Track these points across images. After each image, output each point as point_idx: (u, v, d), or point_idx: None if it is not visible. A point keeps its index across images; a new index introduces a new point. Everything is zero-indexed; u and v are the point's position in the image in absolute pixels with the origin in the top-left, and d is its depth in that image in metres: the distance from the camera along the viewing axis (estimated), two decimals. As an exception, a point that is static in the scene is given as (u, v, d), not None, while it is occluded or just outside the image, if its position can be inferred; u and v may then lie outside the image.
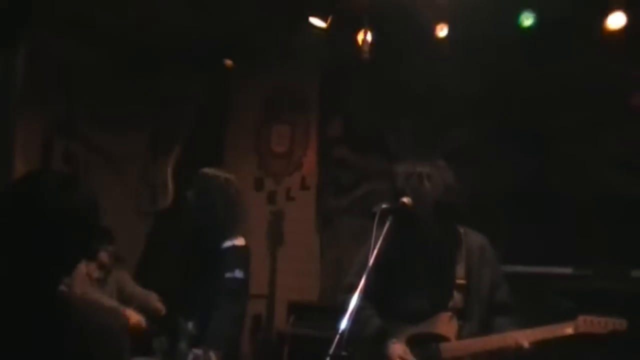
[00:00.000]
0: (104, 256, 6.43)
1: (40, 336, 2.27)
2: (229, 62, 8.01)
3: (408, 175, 4.04)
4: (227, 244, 4.59)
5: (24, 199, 2.34)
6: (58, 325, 2.31)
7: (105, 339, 2.37)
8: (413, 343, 4.11)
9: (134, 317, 6.05)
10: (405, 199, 3.88)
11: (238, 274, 4.49)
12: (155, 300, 6.01)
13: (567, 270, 5.87)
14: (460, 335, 4.10)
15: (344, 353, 3.24)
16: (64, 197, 2.36)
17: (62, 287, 2.46)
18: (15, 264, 2.32)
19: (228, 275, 4.47)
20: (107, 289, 6.47)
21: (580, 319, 3.91)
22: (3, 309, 2.27)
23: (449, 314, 4.10)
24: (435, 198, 4.00)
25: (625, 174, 6.22)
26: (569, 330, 3.94)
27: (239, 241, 4.62)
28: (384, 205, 3.79)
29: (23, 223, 2.32)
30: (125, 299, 6.33)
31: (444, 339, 4.09)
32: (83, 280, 6.31)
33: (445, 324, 4.10)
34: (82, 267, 6.31)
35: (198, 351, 4.38)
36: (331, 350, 3.24)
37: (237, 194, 4.83)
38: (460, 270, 4.16)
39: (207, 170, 4.87)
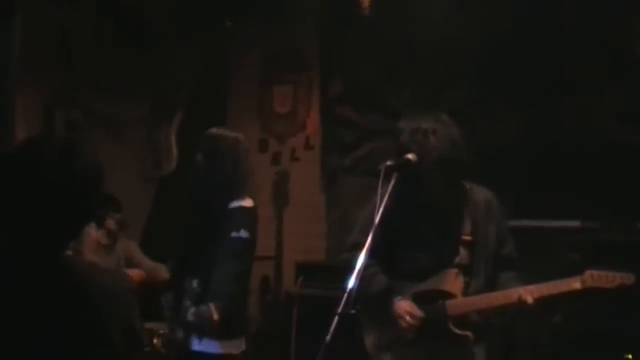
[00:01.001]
0: (110, 223, 6.43)
1: (46, 301, 2.26)
2: (228, 23, 7.97)
3: (413, 131, 4.00)
4: (234, 204, 4.58)
5: (25, 165, 2.32)
6: (64, 290, 2.29)
7: (112, 302, 2.36)
8: (419, 300, 4.11)
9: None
10: (409, 155, 3.85)
11: (243, 233, 4.49)
12: (164, 272, 6.00)
13: (575, 224, 5.85)
14: (466, 292, 4.10)
15: (352, 311, 3.24)
16: (66, 161, 2.34)
17: (69, 252, 2.46)
18: (18, 229, 2.31)
19: (233, 234, 4.47)
20: (115, 256, 6.48)
21: (588, 273, 3.90)
22: (7, 275, 2.26)
23: (455, 270, 4.10)
24: (440, 153, 3.96)
25: (631, 126, 6.20)
26: (576, 285, 3.93)
27: (247, 202, 4.62)
28: (388, 163, 3.76)
29: (25, 189, 2.30)
30: (134, 268, 6.35)
31: (450, 295, 4.08)
32: (92, 247, 6.33)
33: (451, 281, 4.10)
34: (92, 233, 6.34)
35: (200, 307, 4.41)
36: (339, 309, 3.24)
37: (246, 154, 4.82)
38: (466, 225, 4.14)
39: (215, 130, 4.86)
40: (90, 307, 2.30)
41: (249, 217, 4.61)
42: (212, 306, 4.35)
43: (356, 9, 6.76)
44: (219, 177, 4.62)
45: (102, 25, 7.96)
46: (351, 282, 3.29)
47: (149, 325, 5.48)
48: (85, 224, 2.50)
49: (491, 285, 4.12)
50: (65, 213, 2.33)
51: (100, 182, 2.42)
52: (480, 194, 4.22)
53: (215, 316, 4.32)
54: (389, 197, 3.64)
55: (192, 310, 4.44)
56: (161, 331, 5.49)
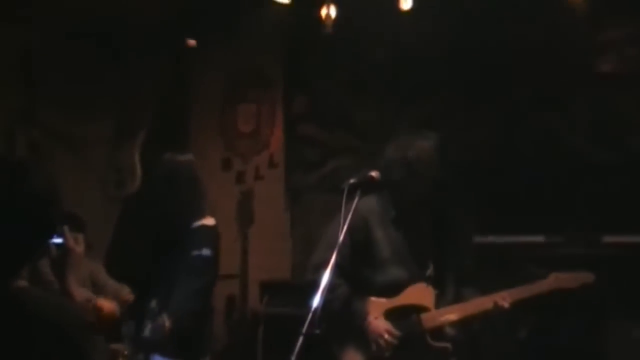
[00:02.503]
0: (74, 242, 6.34)
1: None
2: (191, 41, 7.93)
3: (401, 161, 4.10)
4: (197, 223, 4.59)
5: None
6: (9, 323, 2.21)
7: (62, 336, 2.28)
8: (392, 316, 4.13)
9: (107, 306, 6.00)
10: (373, 173, 3.86)
11: (205, 251, 4.49)
12: (127, 293, 5.97)
13: (539, 239, 5.89)
14: (438, 305, 4.14)
15: (317, 331, 3.23)
16: (17, 184, 2.27)
17: (21, 282, 2.38)
18: None
19: (195, 253, 4.48)
20: (80, 277, 6.40)
21: (552, 275, 4.15)
22: None
23: (424, 283, 4.14)
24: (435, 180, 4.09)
25: (595, 141, 6.25)
26: (543, 287, 4.14)
27: (208, 220, 4.64)
28: (352, 180, 3.77)
29: None
30: (98, 291, 6.28)
31: (423, 309, 4.11)
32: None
33: (423, 294, 4.16)
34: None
35: (155, 321, 4.39)
36: (304, 329, 3.22)
37: (199, 175, 4.85)
38: (433, 239, 4.24)
39: (169, 156, 4.87)
40: (38, 341, 2.22)
41: (211, 235, 4.61)
42: (164, 316, 4.34)
43: (319, 27, 6.77)
44: (178, 200, 4.63)
45: (64, 45, 7.91)
46: (316, 301, 3.27)
47: (113, 346, 5.43)
48: (37, 250, 2.43)
49: (456, 298, 4.18)
50: (17, 237, 2.27)
51: (54, 206, 2.35)
52: (445, 209, 4.31)
53: (167, 324, 4.31)
54: (353, 213, 3.64)
55: (148, 326, 4.43)
56: (126, 352, 5.44)
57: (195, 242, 4.51)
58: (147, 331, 4.44)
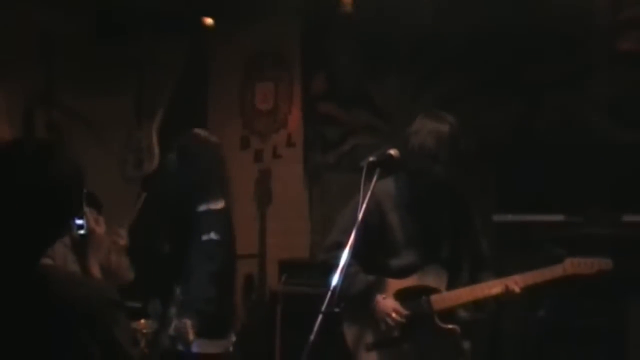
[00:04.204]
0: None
1: (19, 313, 2.21)
2: (208, 21, 7.92)
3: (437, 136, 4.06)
4: (202, 207, 4.60)
5: (3, 168, 2.27)
6: (38, 303, 2.24)
7: (90, 314, 2.29)
8: (402, 297, 4.11)
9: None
10: (392, 151, 3.84)
11: (213, 235, 4.51)
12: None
13: (559, 218, 5.86)
14: (450, 286, 4.11)
15: (336, 309, 3.23)
16: (43, 165, 2.28)
17: (47, 260, 2.41)
18: None
19: (204, 237, 4.50)
20: (100, 257, 6.41)
21: (568, 261, 4.03)
22: None
23: (437, 265, 4.12)
24: (427, 152, 4.03)
25: (614, 120, 6.20)
26: (557, 272, 4.04)
27: (215, 204, 4.64)
28: (371, 159, 3.75)
29: (1, 193, 2.25)
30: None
31: (434, 290, 4.09)
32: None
33: (435, 276, 4.13)
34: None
35: (178, 323, 4.40)
36: (323, 307, 3.22)
37: (222, 159, 4.83)
38: (449, 221, 4.18)
39: (193, 131, 4.86)
40: (66, 319, 2.24)
41: (217, 219, 4.62)
42: (188, 324, 4.36)
43: (337, 5, 6.74)
44: (187, 180, 4.64)
45: (82, 25, 7.91)
46: (335, 280, 3.27)
47: (132, 324, 5.46)
48: (64, 230, 2.45)
49: (472, 280, 4.16)
50: (42, 219, 2.28)
51: (79, 186, 2.37)
52: (461, 192, 4.28)
53: (191, 337, 4.34)
54: (371, 194, 3.63)
55: (173, 324, 4.44)
56: (144, 330, 5.46)
57: (203, 227, 4.53)
58: (171, 330, 4.46)
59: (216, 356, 4.62)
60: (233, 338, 4.78)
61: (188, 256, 4.53)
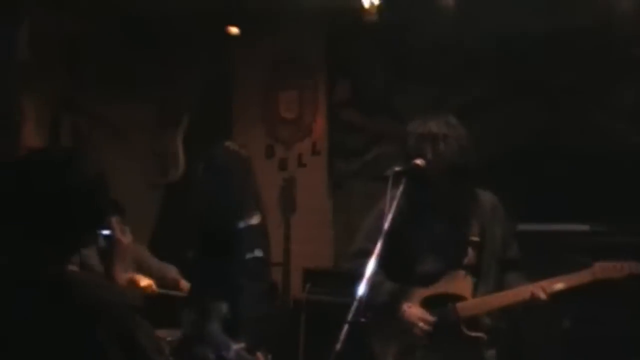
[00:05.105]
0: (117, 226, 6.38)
1: (43, 318, 2.23)
2: (233, 29, 7.94)
3: (422, 136, 4.00)
4: (242, 224, 4.59)
5: (28, 178, 2.30)
6: (62, 307, 2.27)
7: (112, 318, 2.32)
8: (428, 304, 4.10)
9: (144, 281, 6.04)
10: (418, 161, 3.85)
11: (258, 252, 4.51)
12: (174, 273, 5.99)
13: (584, 227, 5.83)
14: (475, 293, 4.09)
15: (362, 319, 3.22)
16: (69, 173, 2.31)
17: (73, 266, 2.43)
18: (19, 242, 2.29)
19: (249, 256, 4.49)
20: (125, 266, 6.42)
21: (597, 265, 3.95)
22: (5, 290, 2.24)
23: (462, 272, 4.10)
24: (450, 160, 3.97)
25: (638, 127, 6.17)
26: (586, 277, 3.96)
27: (254, 219, 4.63)
28: (397, 168, 3.75)
29: (28, 202, 2.28)
30: (144, 272, 6.32)
31: (460, 298, 4.07)
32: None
33: (460, 283, 4.10)
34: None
35: (240, 349, 4.41)
36: (350, 317, 3.21)
37: (252, 171, 4.85)
38: (473, 227, 4.14)
39: (223, 145, 4.87)
40: (89, 323, 2.27)
41: (258, 234, 4.62)
42: (260, 356, 4.38)
43: (361, 13, 6.74)
44: (218, 194, 4.63)
45: (108, 31, 7.95)
46: (361, 290, 3.27)
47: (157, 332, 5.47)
48: (89, 236, 2.48)
49: (498, 286, 4.13)
50: (67, 225, 2.31)
51: (103, 194, 2.40)
52: (486, 197, 4.25)
53: (243, 347, 4.36)
54: (397, 202, 3.63)
55: (234, 348, 4.44)
56: (169, 338, 5.47)
57: (247, 244, 4.52)
58: (232, 353, 4.47)
59: None
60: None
61: (233, 274, 4.52)
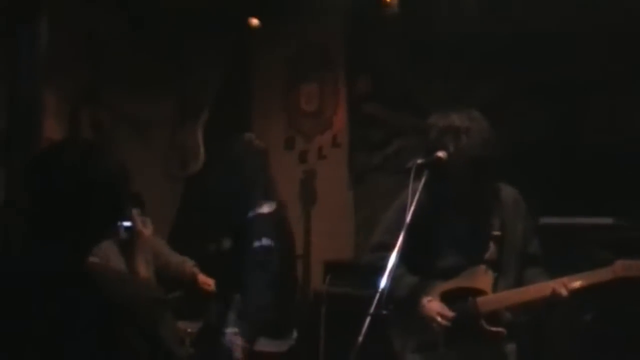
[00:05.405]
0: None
1: (66, 311, 2.24)
2: (254, 21, 7.94)
3: (444, 129, 3.98)
4: (252, 213, 4.62)
5: (50, 169, 2.31)
6: (84, 300, 2.27)
7: (135, 311, 2.33)
8: (448, 299, 4.08)
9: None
10: (440, 153, 3.83)
11: (265, 241, 4.53)
12: (191, 266, 6.01)
13: (607, 221, 5.79)
14: (495, 288, 4.07)
15: (384, 312, 3.21)
16: (90, 165, 2.32)
17: (94, 258, 2.43)
18: (41, 236, 2.29)
19: (256, 244, 4.51)
20: (146, 257, 6.44)
21: (619, 263, 3.87)
22: (28, 283, 2.24)
23: (483, 266, 4.07)
24: (472, 153, 3.95)
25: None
26: (608, 275, 3.89)
27: (265, 208, 4.65)
28: (419, 161, 3.74)
29: (49, 194, 2.28)
30: (162, 265, 6.33)
31: (480, 292, 4.05)
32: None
33: (481, 277, 4.08)
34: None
35: (232, 333, 4.44)
36: (371, 309, 3.21)
37: (268, 162, 4.86)
38: (495, 222, 4.12)
39: (238, 137, 4.89)
40: (112, 316, 2.27)
41: (267, 223, 4.63)
42: (239, 341, 4.40)
43: (382, 5, 6.73)
44: (232, 185, 4.66)
45: (128, 25, 7.97)
46: (383, 282, 3.26)
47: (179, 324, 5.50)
48: (111, 229, 2.48)
49: (519, 281, 4.11)
50: (88, 218, 2.31)
51: (124, 186, 2.40)
52: (508, 192, 4.22)
53: (239, 355, 4.39)
54: (419, 195, 3.62)
55: (227, 334, 4.49)
56: (189, 330, 5.49)
57: (255, 233, 4.55)
58: (225, 340, 4.51)
59: (277, 355, 4.66)
60: (294, 335, 4.82)
61: (244, 263, 4.55)
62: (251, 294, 4.51)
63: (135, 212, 3.00)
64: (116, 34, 7.92)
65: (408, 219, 3.52)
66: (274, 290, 4.56)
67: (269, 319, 4.51)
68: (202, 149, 8.26)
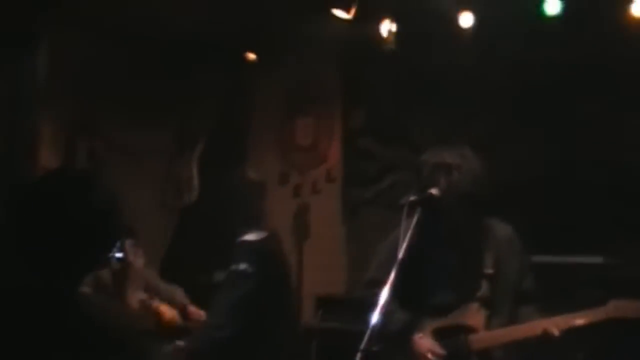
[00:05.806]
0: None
1: (54, 340, 2.24)
2: (251, 55, 7.98)
3: (436, 166, 4.00)
4: (239, 239, 4.64)
5: (43, 200, 2.32)
6: (74, 330, 2.28)
7: (122, 342, 2.33)
8: (440, 335, 4.08)
9: (168, 312, 6.04)
10: (433, 190, 3.84)
11: (242, 266, 4.53)
12: (182, 297, 6.00)
13: (597, 260, 5.81)
14: (488, 326, 4.06)
15: (375, 348, 3.21)
16: (83, 196, 2.33)
17: (85, 288, 2.44)
18: (33, 266, 2.30)
19: (232, 267, 4.52)
20: (137, 287, 6.43)
21: (612, 303, 3.87)
22: (19, 313, 2.25)
23: (476, 304, 4.08)
24: (463, 190, 3.97)
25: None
26: (600, 315, 3.89)
27: (251, 236, 4.67)
28: (412, 197, 3.75)
29: (42, 224, 2.30)
30: (151, 294, 6.32)
31: (472, 330, 4.05)
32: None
33: (473, 315, 4.08)
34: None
35: (177, 346, 4.46)
36: (363, 345, 3.21)
37: (259, 193, 4.89)
38: (488, 259, 4.12)
39: (239, 169, 4.95)
40: (98, 345, 2.28)
41: (250, 250, 4.64)
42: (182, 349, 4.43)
43: (377, 42, 6.77)
44: (228, 217, 4.70)
45: (125, 55, 7.99)
46: (374, 318, 3.26)
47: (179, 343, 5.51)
48: (102, 260, 2.49)
49: (513, 318, 4.10)
50: (79, 247, 2.32)
51: (115, 217, 2.41)
52: (502, 229, 4.23)
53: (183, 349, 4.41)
54: (412, 231, 3.63)
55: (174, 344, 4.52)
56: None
57: (235, 258, 4.57)
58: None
59: None
60: None
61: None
62: (211, 312, 4.57)
63: (128, 243, 3.02)
64: (113, 64, 7.93)
65: (400, 255, 3.53)
66: (237, 316, 4.54)
67: (221, 342, 4.49)
68: (196, 181, 8.27)
